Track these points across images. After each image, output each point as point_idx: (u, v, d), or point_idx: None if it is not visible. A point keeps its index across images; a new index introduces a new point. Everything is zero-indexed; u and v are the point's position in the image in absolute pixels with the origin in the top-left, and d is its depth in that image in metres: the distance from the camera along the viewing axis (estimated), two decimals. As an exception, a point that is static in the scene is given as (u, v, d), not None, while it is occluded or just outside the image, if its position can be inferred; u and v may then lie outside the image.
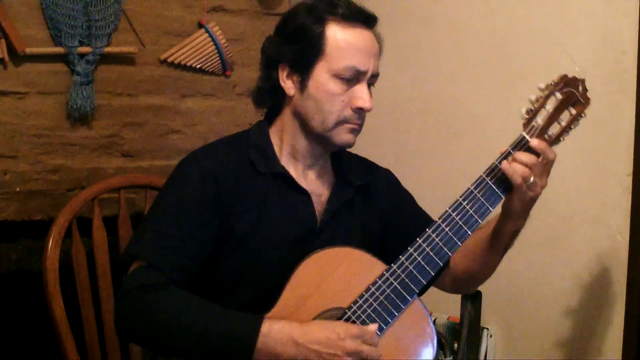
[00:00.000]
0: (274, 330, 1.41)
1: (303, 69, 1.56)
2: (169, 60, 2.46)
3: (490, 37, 2.25)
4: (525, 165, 1.47)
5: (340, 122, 1.56)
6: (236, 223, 1.55)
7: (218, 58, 2.54)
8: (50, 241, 1.87)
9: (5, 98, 2.15)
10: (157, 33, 2.43)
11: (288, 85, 1.59)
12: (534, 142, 1.48)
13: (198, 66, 2.52)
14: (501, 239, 1.58)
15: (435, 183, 2.33)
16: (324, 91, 1.55)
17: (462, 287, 1.78)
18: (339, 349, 1.40)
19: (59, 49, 2.21)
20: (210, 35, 2.51)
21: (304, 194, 1.61)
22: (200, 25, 2.52)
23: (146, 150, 2.44)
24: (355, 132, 1.59)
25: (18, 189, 2.19)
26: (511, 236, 1.58)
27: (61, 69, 2.24)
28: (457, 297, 2.12)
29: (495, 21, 2.24)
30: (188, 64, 2.49)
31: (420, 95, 2.44)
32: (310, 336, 1.41)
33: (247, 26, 2.63)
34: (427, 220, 1.73)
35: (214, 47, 2.53)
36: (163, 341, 1.45)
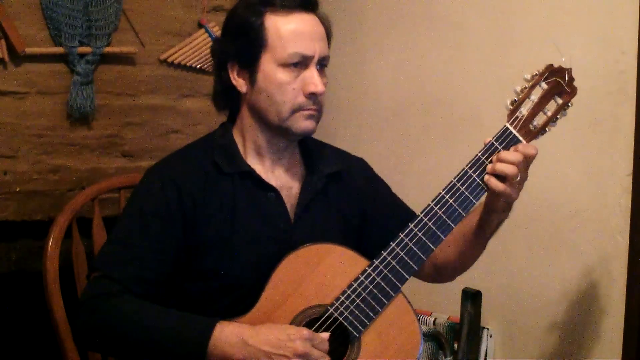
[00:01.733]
0: (225, 332, 1.40)
1: (250, 64, 1.55)
2: (169, 60, 2.46)
3: (490, 37, 2.25)
4: (512, 164, 1.46)
5: (295, 110, 1.54)
6: (205, 228, 1.53)
7: (218, 58, 2.54)
8: (50, 241, 1.87)
9: (5, 98, 2.15)
10: (157, 33, 2.43)
11: (239, 83, 1.58)
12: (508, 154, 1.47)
13: (198, 66, 2.52)
14: (486, 232, 1.58)
15: (436, 182, 2.33)
16: (273, 82, 1.53)
17: (442, 277, 1.76)
18: (289, 350, 1.39)
19: (59, 49, 2.21)
20: (210, 35, 2.51)
21: (272, 190, 1.58)
22: (200, 25, 2.52)
23: (146, 150, 2.44)
24: (314, 117, 1.57)
25: (18, 189, 2.19)
26: (495, 227, 1.58)
27: (61, 69, 2.24)
28: (457, 297, 2.12)
29: (496, 21, 2.24)
30: (188, 64, 2.50)
31: (421, 95, 2.44)
32: (261, 337, 1.40)
33: (247, 26, 2.63)
34: (404, 208, 1.73)
35: (214, 47, 2.53)
36: (118, 348, 1.46)
